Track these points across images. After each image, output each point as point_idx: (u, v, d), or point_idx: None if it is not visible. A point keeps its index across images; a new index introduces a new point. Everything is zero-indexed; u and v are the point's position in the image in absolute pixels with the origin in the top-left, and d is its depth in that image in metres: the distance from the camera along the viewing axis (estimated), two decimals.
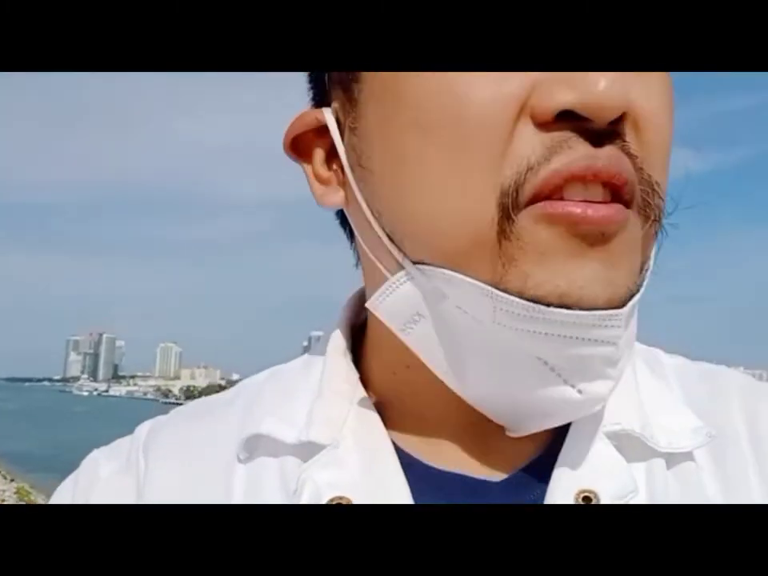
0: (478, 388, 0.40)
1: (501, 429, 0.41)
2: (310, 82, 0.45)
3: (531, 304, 0.34)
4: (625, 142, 0.35)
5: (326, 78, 0.43)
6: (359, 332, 0.47)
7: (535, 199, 0.34)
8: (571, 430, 0.40)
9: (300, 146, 0.43)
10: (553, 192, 0.34)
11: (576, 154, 0.34)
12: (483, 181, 0.35)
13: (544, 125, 0.34)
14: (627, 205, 0.35)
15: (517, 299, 0.34)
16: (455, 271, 0.36)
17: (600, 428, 0.39)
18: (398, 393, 0.43)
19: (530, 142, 0.34)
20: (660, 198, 0.36)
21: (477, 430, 0.41)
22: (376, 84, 0.38)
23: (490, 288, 0.35)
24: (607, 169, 0.34)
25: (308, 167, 0.43)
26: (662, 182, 0.37)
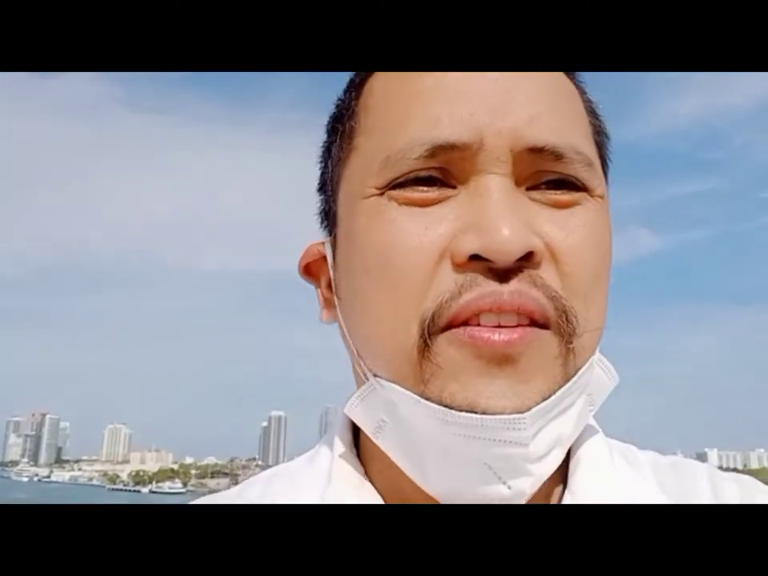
0: (437, 486, 0.45)
1: None
2: (321, 215, 0.54)
3: (445, 408, 0.41)
4: (536, 274, 0.42)
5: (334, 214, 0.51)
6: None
7: (451, 326, 0.42)
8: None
9: (312, 270, 0.55)
10: (470, 319, 0.41)
11: (483, 290, 0.41)
12: (409, 311, 0.43)
13: (459, 266, 0.42)
14: (544, 326, 0.42)
15: (435, 405, 0.41)
16: (396, 383, 0.44)
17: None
18: (396, 486, 0.48)
19: (446, 280, 0.42)
20: (574, 321, 0.43)
21: None
22: (342, 231, 0.49)
23: (417, 397, 0.42)
24: (510, 302, 0.41)
25: (318, 290, 0.55)
26: (582, 305, 0.43)
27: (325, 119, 0.53)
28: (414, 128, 0.44)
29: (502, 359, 0.41)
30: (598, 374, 0.48)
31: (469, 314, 0.41)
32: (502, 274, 0.41)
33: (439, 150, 0.43)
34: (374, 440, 0.47)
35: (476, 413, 0.40)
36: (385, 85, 0.48)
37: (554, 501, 0.49)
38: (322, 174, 0.54)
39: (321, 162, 0.55)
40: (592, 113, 0.49)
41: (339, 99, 0.53)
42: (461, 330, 0.41)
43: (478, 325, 0.41)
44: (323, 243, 0.53)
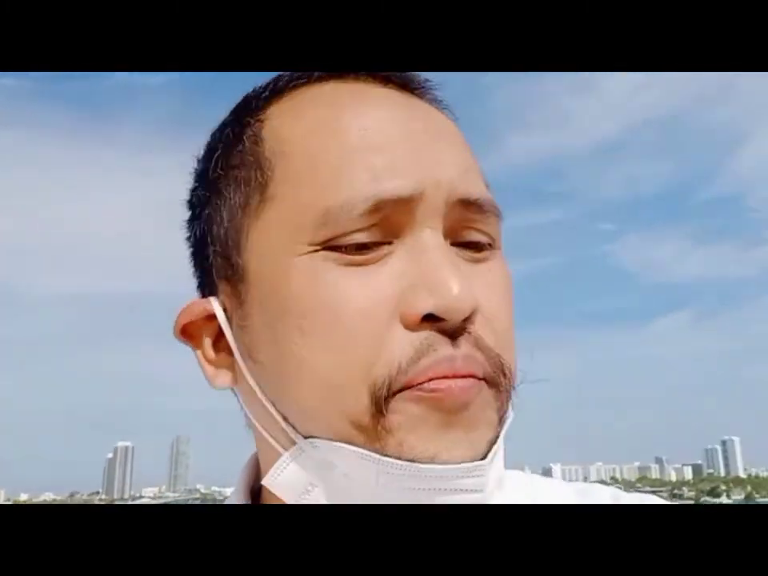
0: None
1: None
2: (197, 270, 0.51)
3: (410, 463, 0.40)
4: (478, 336, 0.42)
5: (213, 269, 0.48)
6: (257, 496, 0.51)
7: (405, 388, 0.41)
8: None
9: (190, 331, 0.49)
10: (424, 381, 0.41)
11: (439, 355, 0.41)
12: (358, 376, 0.41)
13: (412, 327, 0.41)
14: (484, 379, 0.42)
15: (398, 461, 0.40)
16: (342, 442, 0.42)
17: None
18: None
19: (400, 343, 0.41)
20: (509, 374, 0.44)
21: None
22: (262, 289, 0.45)
23: (374, 455, 0.41)
24: (463, 367, 0.41)
25: (198, 352, 0.49)
26: (510, 357, 0.45)
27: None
28: (353, 180, 0.42)
29: (460, 407, 0.41)
30: None
31: (424, 378, 0.41)
32: (452, 335, 0.42)
33: (383, 204, 0.42)
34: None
35: (437, 464, 0.40)
36: (301, 132, 0.45)
37: None
38: (206, 223, 0.48)
39: (197, 210, 0.50)
40: None
41: (224, 143, 0.48)
42: (416, 389, 0.41)
43: (430, 379, 0.41)
44: (208, 300, 0.48)
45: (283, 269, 0.43)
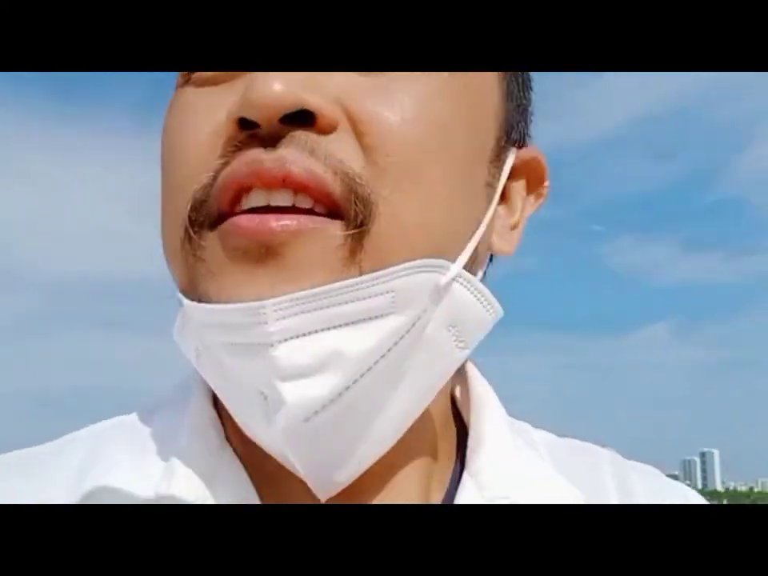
0: (245, 429, 0.36)
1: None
2: None
3: (199, 304, 0.33)
4: (315, 141, 0.32)
5: None
6: None
7: (223, 216, 0.33)
8: (456, 499, 0.38)
9: None
10: (234, 205, 0.33)
11: (241, 159, 0.33)
12: (179, 202, 0.34)
13: (228, 140, 0.33)
14: (334, 214, 0.32)
15: (195, 304, 0.33)
16: (184, 296, 0.35)
17: (483, 499, 0.38)
18: (254, 448, 0.37)
19: (213, 159, 0.34)
20: (363, 202, 0.32)
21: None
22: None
23: (189, 303, 0.34)
24: (271, 170, 0.32)
25: None
26: (404, 189, 0.33)
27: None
28: None
29: (264, 253, 0.32)
30: (468, 300, 0.36)
31: (231, 193, 0.33)
32: (269, 141, 0.32)
33: None
34: (198, 370, 0.38)
35: None
36: None
37: (446, 479, 0.40)
38: None
39: None
40: None
41: None
42: (226, 220, 0.33)
43: (246, 212, 0.33)
44: None
45: (168, 109, 0.38)
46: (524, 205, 0.42)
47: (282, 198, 0.32)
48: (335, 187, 0.32)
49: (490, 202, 0.39)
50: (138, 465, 0.38)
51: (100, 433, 0.43)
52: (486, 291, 0.37)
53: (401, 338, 0.33)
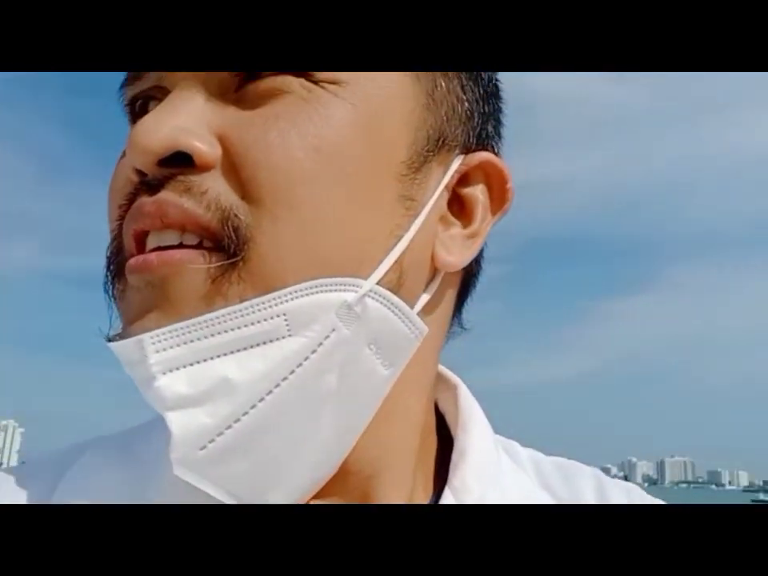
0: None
1: None
2: None
3: (108, 343, 0.34)
4: (192, 182, 0.34)
5: None
6: None
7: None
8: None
9: None
10: (140, 249, 0.35)
11: (133, 208, 0.35)
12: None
13: (129, 188, 0.36)
14: (216, 246, 0.33)
15: (107, 343, 0.34)
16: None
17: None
18: None
19: (119, 209, 0.36)
20: (233, 231, 0.33)
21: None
22: None
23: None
24: (152, 213, 0.34)
25: None
26: (276, 214, 0.33)
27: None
28: None
29: (151, 289, 0.33)
30: (387, 317, 0.35)
31: (131, 240, 0.35)
32: (153, 186, 0.34)
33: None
34: None
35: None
36: None
37: (428, 493, 0.41)
38: None
39: None
40: None
41: None
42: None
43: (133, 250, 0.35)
44: None
45: None
46: (484, 212, 0.41)
47: (170, 238, 0.34)
48: (212, 222, 0.33)
49: (414, 214, 0.37)
50: (127, 467, 0.39)
51: (97, 440, 0.44)
52: (406, 308, 0.36)
53: (305, 359, 0.33)
